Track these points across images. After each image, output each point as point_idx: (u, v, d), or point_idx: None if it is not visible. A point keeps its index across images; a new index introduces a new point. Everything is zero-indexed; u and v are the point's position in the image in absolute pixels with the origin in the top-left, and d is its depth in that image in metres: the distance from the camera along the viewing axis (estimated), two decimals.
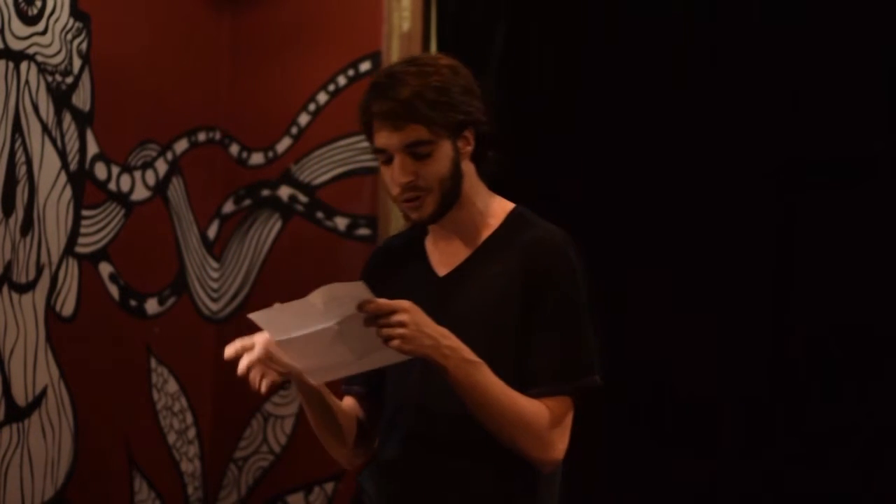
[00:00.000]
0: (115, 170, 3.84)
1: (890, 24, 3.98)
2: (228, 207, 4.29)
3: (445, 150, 2.49)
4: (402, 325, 2.33)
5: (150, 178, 3.99)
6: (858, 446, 3.98)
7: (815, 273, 4.07)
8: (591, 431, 4.02)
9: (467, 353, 2.40)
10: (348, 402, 2.65)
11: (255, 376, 2.41)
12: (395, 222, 4.04)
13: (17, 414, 3.46)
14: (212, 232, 4.25)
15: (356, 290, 2.33)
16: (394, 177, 2.49)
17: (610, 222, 4.19)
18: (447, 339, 2.39)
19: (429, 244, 2.62)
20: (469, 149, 2.54)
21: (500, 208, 2.61)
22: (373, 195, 4.16)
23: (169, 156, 4.06)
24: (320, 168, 4.22)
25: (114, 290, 3.83)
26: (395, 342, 2.33)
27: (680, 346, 4.14)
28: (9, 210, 3.43)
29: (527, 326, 2.48)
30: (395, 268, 2.58)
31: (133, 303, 3.91)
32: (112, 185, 3.83)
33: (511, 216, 2.60)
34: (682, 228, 4.16)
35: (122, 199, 3.86)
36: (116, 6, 3.84)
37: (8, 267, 3.42)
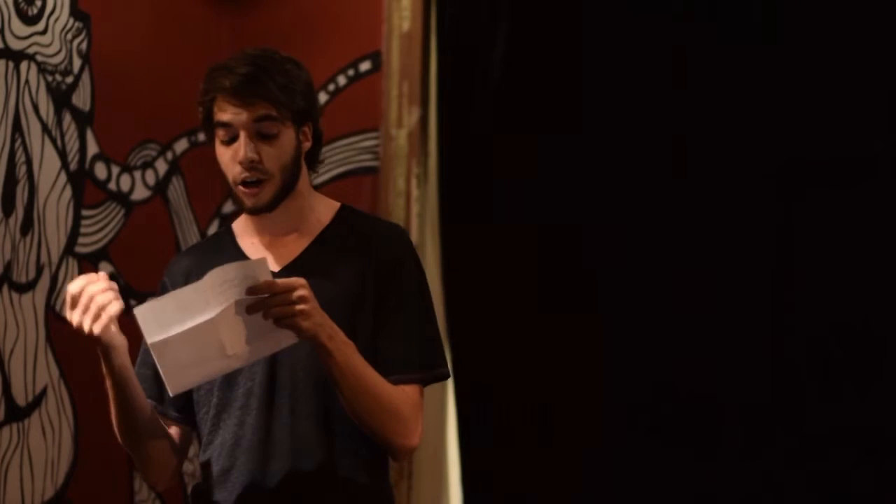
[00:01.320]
0: (115, 170, 3.84)
1: (890, 24, 3.97)
2: (228, 207, 4.29)
3: (289, 136, 2.49)
4: (303, 300, 2.29)
5: (150, 177, 3.99)
6: (858, 446, 3.98)
7: (815, 273, 4.06)
8: (591, 431, 4.05)
9: (343, 335, 2.38)
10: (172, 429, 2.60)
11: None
12: (395, 221, 4.04)
13: (17, 414, 3.46)
14: (212, 232, 4.25)
15: (252, 269, 2.27)
16: (238, 154, 2.45)
17: (610, 222, 4.19)
18: (329, 320, 2.35)
19: (244, 243, 2.58)
20: (308, 144, 2.55)
21: (327, 205, 2.61)
22: (373, 195, 4.16)
23: (169, 156, 4.06)
24: (320, 168, 4.21)
25: None
26: (295, 319, 2.28)
27: (680, 346, 4.14)
28: (9, 210, 3.43)
29: (378, 315, 2.48)
30: (208, 269, 2.37)
31: (133, 303, 3.91)
32: (112, 185, 3.83)
33: (341, 212, 2.60)
34: (682, 228, 4.15)
35: (122, 198, 3.86)
36: (116, 6, 3.84)
37: (8, 267, 3.42)
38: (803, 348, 4.07)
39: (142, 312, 2.30)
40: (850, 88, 4.03)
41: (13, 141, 3.45)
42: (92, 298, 2.33)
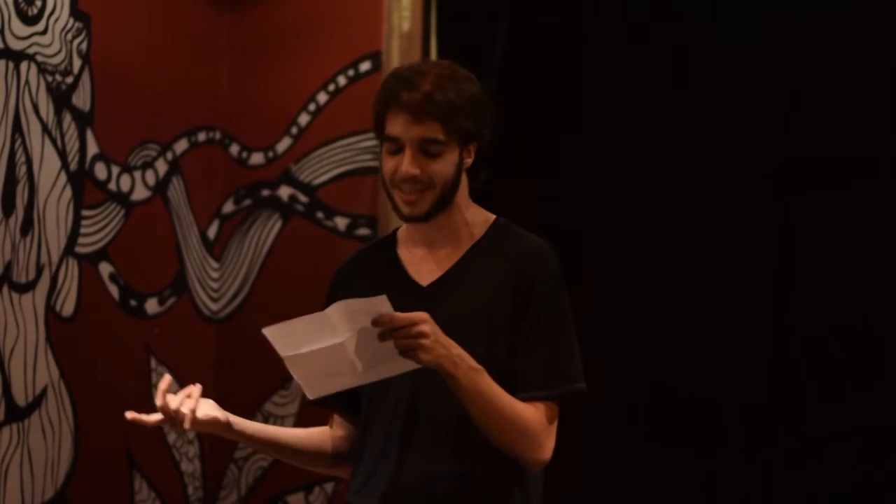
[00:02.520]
0: (115, 170, 3.84)
1: (890, 24, 3.98)
2: (228, 207, 4.29)
3: (453, 155, 2.52)
4: (423, 335, 2.35)
5: (150, 178, 3.99)
6: (858, 446, 3.98)
7: (814, 273, 4.07)
8: (591, 431, 4.05)
9: (472, 361, 2.43)
10: (335, 419, 2.68)
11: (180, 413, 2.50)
12: (395, 222, 4.03)
13: (17, 414, 3.46)
14: (212, 232, 4.25)
15: (375, 305, 2.35)
16: (400, 168, 2.50)
17: (610, 222, 4.19)
18: (455, 348, 2.41)
19: (402, 254, 2.63)
20: (470, 161, 2.57)
21: (482, 219, 2.64)
22: (373, 195, 4.16)
23: (169, 156, 4.06)
24: (320, 168, 4.22)
25: (114, 290, 3.83)
26: (416, 353, 2.35)
27: (680, 346, 4.14)
28: (9, 210, 3.43)
29: (516, 333, 2.51)
30: (366, 280, 2.56)
31: (133, 303, 3.91)
32: (112, 185, 3.83)
33: (494, 226, 2.63)
34: (682, 228, 4.16)
35: (122, 199, 3.86)
36: (116, 6, 3.84)
37: (8, 267, 3.42)
38: (803, 348, 4.08)
39: (272, 332, 2.38)
40: (849, 88, 4.03)
41: (13, 141, 3.45)
42: (169, 411, 2.51)
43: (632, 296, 4.17)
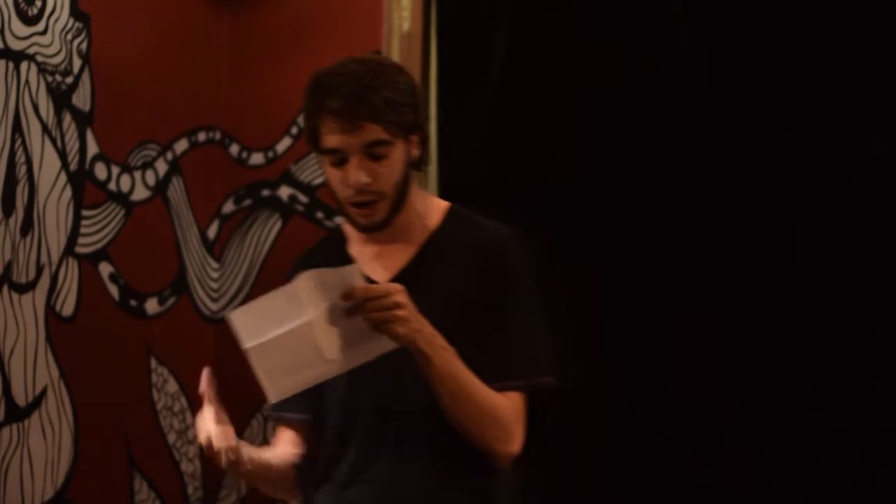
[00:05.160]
0: (115, 170, 3.84)
1: (890, 24, 3.97)
2: (228, 207, 4.29)
3: (399, 152, 2.44)
4: (398, 306, 2.27)
5: (150, 178, 3.99)
6: (858, 446, 3.98)
7: (815, 273, 4.06)
8: (591, 431, 4.05)
9: (444, 341, 2.35)
10: (285, 437, 2.57)
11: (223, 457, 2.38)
12: None
13: (17, 414, 3.46)
14: (212, 232, 4.25)
15: (346, 275, 2.25)
16: (349, 178, 2.41)
17: (610, 221, 4.19)
18: (428, 326, 2.33)
19: (354, 251, 2.54)
20: (416, 153, 2.48)
21: (436, 207, 2.56)
22: None
23: (169, 156, 4.06)
24: (320, 168, 4.21)
25: (114, 290, 3.83)
26: (391, 325, 2.26)
27: (680, 346, 4.14)
28: (9, 210, 3.43)
29: (484, 324, 2.44)
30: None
31: (133, 303, 3.91)
32: (112, 185, 3.83)
33: (450, 215, 2.55)
34: (682, 228, 4.15)
35: (122, 199, 3.86)
36: (116, 6, 3.84)
37: (8, 267, 3.42)
38: (803, 348, 4.08)
39: (237, 317, 2.29)
40: (850, 88, 4.03)
41: (13, 141, 3.45)
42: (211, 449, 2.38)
43: (632, 295, 4.17)
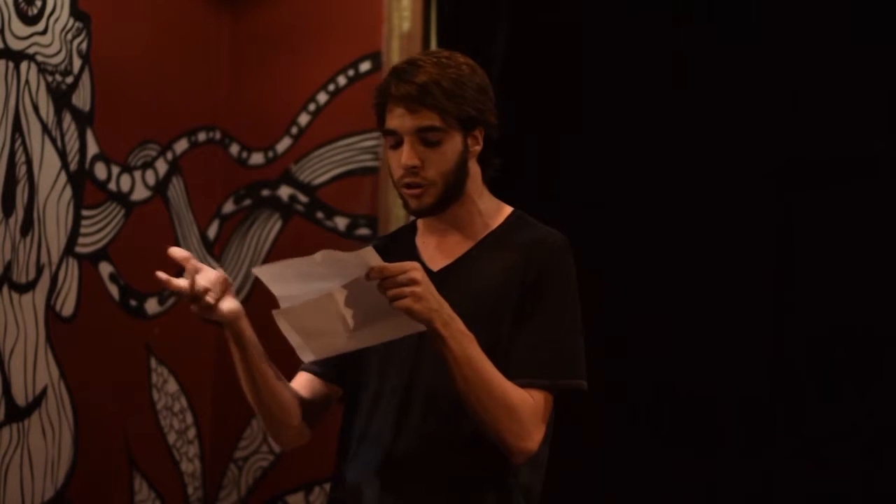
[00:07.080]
0: (115, 170, 3.84)
1: (890, 24, 3.98)
2: (228, 207, 4.30)
3: (455, 142, 2.53)
4: (413, 282, 2.32)
5: (150, 178, 3.99)
6: (858, 446, 3.98)
7: (815, 273, 4.07)
8: (591, 431, 4.05)
9: (463, 326, 2.40)
10: (300, 379, 2.62)
11: (205, 297, 2.39)
12: (395, 222, 4.04)
13: (17, 414, 3.46)
14: (212, 232, 4.25)
15: (362, 257, 2.32)
16: (401, 159, 2.51)
17: (610, 222, 4.20)
18: (448, 308, 2.38)
19: (419, 241, 2.64)
20: (478, 148, 2.58)
21: (499, 210, 2.65)
22: (373, 195, 4.16)
23: (169, 156, 4.07)
24: (320, 168, 4.22)
25: (114, 290, 3.83)
26: (406, 301, 2.32)
27: (680, 346, 4.14)
28: (9, 210, 3.43)
29: (518, 321, 2.49)
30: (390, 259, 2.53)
31: (133, 303, 3.91)
32: (112, 185, 3.83)
33: (510, 218, 2.64)
34: (682, 228, 4.16)
35: (122, 199, 3.86)
36: (116, 6, 3.85)
37: (8, 267, 3.42)
38: (803, 348, 4.08)
39: (263, 272, 2.37)
40: (849, 88, 4.03)
41: (13, 141, 3.45)
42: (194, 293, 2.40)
43: (631, 295, 4.17)
